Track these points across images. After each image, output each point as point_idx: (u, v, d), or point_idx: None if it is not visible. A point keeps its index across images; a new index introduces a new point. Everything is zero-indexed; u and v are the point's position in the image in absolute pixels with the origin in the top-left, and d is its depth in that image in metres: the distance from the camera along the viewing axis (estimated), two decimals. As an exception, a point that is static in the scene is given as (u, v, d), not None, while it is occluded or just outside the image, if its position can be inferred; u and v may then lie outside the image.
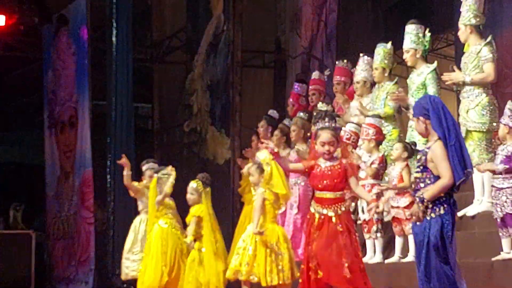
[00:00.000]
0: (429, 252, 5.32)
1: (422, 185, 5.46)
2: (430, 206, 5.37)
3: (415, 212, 5.43)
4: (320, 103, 10.30)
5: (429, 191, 5.36)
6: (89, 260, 13.70)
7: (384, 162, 8.70)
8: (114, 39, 13.85)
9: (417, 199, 5.42)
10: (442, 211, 5.35)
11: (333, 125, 6.93)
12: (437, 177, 5.39)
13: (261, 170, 7.89)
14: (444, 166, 5.34)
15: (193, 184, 8.87)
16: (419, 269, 5.38)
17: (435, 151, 5.39)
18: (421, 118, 5.52)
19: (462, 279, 5.36)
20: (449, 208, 5.36)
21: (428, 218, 5.37)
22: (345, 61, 10.41)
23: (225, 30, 13.42)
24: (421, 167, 5.51)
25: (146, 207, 9.83)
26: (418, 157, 5.58)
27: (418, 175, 5.54)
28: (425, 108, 5.48)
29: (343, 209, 6.84)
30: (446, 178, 5.34)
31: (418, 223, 5.42)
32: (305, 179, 10.04)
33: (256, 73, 15.06)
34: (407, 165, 8.20)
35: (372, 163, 8.63)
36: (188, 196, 8.87)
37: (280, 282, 7.75)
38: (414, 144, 8.30)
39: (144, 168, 10.24)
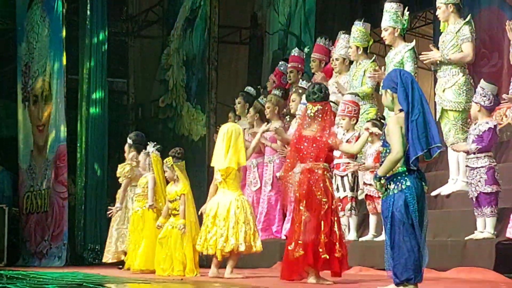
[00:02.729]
0: (393, 227, 5.33)
1: (382, 159, 5.49)
2: (392, 180, 5.39)
3: (376, 188, 5.50)
4: (301, 80, 10.28)
5: (381, 167, 5.40)
6: (62, 235, 13.63)
7: (360, 141, 8.67)
8: (88, 12, 13.71)
9: (374, 178, 5.46)
10: (403, 186, 5.35)
11: None
12: None
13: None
14: (393, 140, 5.37)
15: (165, 161, 8.91)
16: (386, 244, 5.41)
17: (388, 125, 5.44)
18: (388, 91, 5.52)
19: (426, 256, 5.37)
20: (413, 182, 5.35)
21: (391, 193, 5.39)
22: (324, 38, 10.39)
23: (202, 5, 13.31)
24: (383, 142, 5.55)
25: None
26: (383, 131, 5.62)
27: (381, 149, 5.57)
28: (394, 82, 5.47)
29: None
30: (394, 151, 5.35)
31: (383, 198, 5.45)
32: (280, 157, 10.02)
33: (232, 49, 14.97)
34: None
35: (348, 141, 8.59)
36: (166, 173, 8.95)
37: (204, 252, 7.99)
38: (383, 117, 8.28)
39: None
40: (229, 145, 7.96)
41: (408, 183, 5.34)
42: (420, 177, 5.43)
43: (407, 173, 5.38)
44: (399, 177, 5.39)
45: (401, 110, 5.42)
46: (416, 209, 5.33)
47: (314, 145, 6.81)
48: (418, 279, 5.33)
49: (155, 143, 9.44)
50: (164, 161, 8.91)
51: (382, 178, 5.40)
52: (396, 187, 5.38)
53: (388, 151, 5.44)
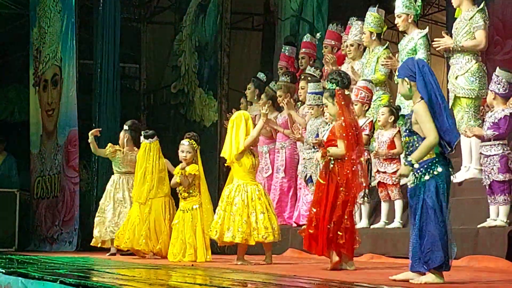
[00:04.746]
0: (423, 214, 5.29)
1: (411, 149, 5.43)
2: (422, 167, 5.33)
3: (403, 173, 5.43)
4: (309, 67, 10.24)
5: (415, 153, 5.35)
6: (73, 220, 13.64)
7: (372, 128, 8.66)
8: (101, -3, 13.69)
9: (406, 163, 5.40)
10: (435, 172, 5.31)
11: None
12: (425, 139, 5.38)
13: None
14: (428, 126, 5.33)
15: (187, 142, 8.91)
16: (413, 232, 5.35)
17: (418, 112, 5.38)
18: (406, 79, 5.50)
19: (454, 244, 5.33)
20: (444, 169, 5.32)
21: (423, 180, 5.34)
22: (336, 24, 10.34)
23: (214, -9, 13.26)
24: (408, 131, 5.49)
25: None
26: (405, 121, 5.54)
27: (406, 139, 5.52)
28: (411, 70, 5.45)
29: None
30: (431, 137, 5.31)
31: (412, 185, 5.39)
32: (292, 143, 10.01)
33: (245, 35, 14.94)
34: (398, 131, 8.15)
35: (362, 129, 8.54)
36: (184, 154, 8.91)
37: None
38: (399, 108, 8.26)
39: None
40: (231, 135, 8.03)
41: (440, 169, 5.31)
42: (448, 163, 5.40)
43: (437, 159, 5.35)
44: (430, 164, 5.34)
45: (422, 98, 5.39)
46: (445, 196, 5.30)
47: (358, 130, 6.91)
48: (446, 267, 5.29)
49: (144, 131, 9.61)
50: (188, 142, 8.90)
51: (415, 164, 5.35)
52: (427, 173, 5.33)
53: (416, 139, 5.40)
